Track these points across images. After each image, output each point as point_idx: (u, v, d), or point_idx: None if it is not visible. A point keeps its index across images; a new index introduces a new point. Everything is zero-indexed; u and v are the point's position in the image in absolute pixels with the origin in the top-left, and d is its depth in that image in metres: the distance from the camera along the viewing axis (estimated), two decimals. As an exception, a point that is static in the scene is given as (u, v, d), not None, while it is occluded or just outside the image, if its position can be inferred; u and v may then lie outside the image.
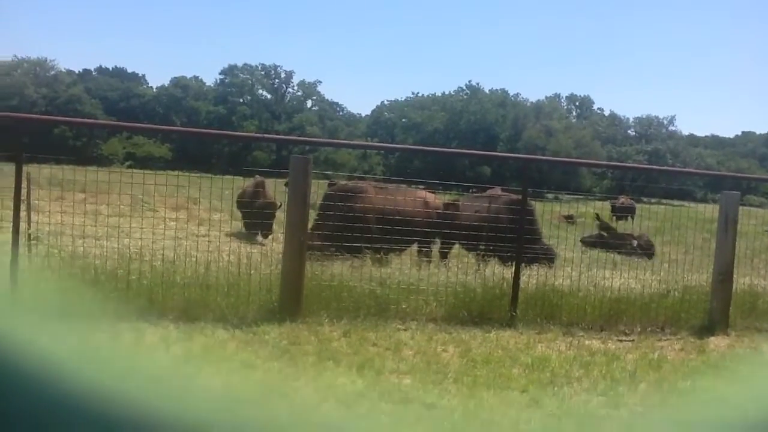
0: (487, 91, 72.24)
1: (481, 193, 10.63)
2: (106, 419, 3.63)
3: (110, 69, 75.51)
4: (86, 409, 3.75)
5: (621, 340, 6.55)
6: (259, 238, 12.08)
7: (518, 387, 4.63)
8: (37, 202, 9.49)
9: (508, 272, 7.22)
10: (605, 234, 16.00)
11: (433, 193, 10.36)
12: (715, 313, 7.13)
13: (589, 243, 13.97)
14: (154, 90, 75.85)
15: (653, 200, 46.32)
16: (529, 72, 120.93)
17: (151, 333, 5.51)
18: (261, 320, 5.98)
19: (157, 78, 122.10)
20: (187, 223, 12.38)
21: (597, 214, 19.63)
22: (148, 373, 4.47)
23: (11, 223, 5.86)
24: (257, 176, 12.01)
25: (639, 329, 6.92)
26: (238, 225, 13.21)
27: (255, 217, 10.39)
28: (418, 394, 4.33)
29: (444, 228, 8.04)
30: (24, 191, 6.16)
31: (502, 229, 7.98)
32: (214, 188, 8.91)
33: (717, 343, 6.66)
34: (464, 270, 7.35)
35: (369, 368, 4.84)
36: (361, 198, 9.45)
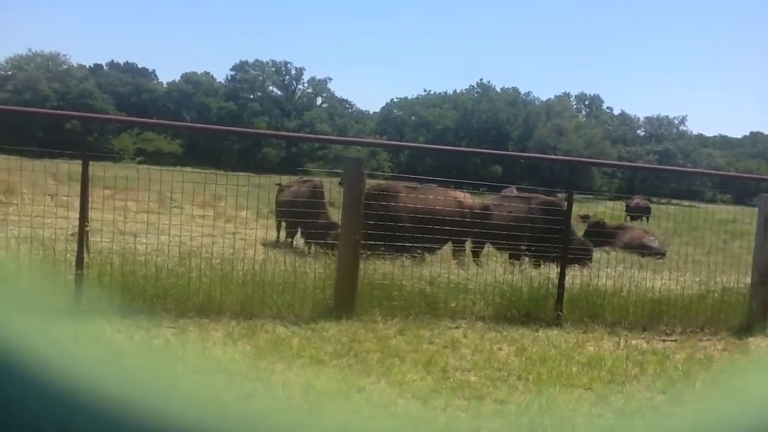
0: (498, 90, 72.45)
1: (514, 194, 10.77)
2: (191, 412, 3.80)
3: (121, 64, 75.88)
4: (167, 404, 3.92)
5: (664, 340, 6.69)
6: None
7: (581, 384, 4.78)
8: (66, 198, 9.68)
9: (550, 272, 7.38)
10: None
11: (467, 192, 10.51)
12: (755, 314, 7.25)
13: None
14: (165, 85, 76.14)
15: (663, 200, 46.39)
16: (538, 71, 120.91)
17: (215, 329, 5.68)
18: (317, 318, 6.14)
19: (168, 73, 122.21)
20: (214, 221, 12.50)
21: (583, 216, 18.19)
22: (224, 368, 4.64)
23: (77, 221, 6.05)
24: (315, 178, 11.73)
25: (680, 329, 7.06)
26: (265, 222, 13.25)
27: (316, 236, 9.82)
28: (488, 390, 4.48)
29: (486, 229, 8.19)
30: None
31: (546, 230, 8.11)
32: (237, 185, 9.00)
33: (758, 343, 6.78)
34: (509, 270, 7.49)
35: (433, 365, 5.00)
36: (396, 198, 9.57)
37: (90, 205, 6.26)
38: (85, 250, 6.15)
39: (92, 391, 3.56)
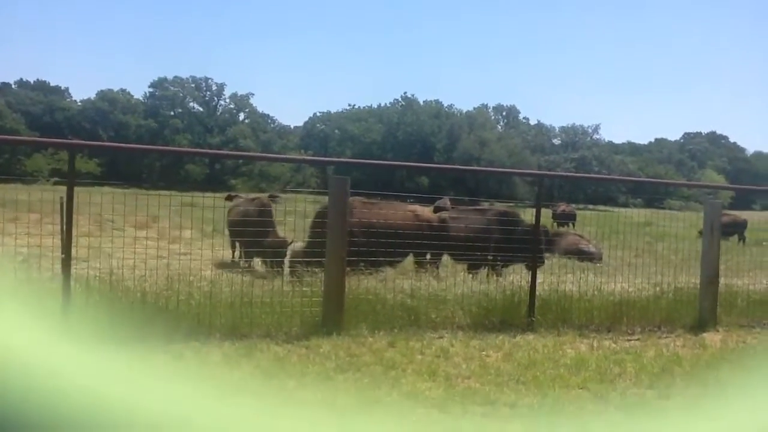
0: (421, 103, 73.67)
1: (471, 207, 11.17)
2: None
3: (31, 82, 72.87)
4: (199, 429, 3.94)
5: (629, 340, 7.13)
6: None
7: (576, 385, 5.10)
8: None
9: (521, 280, 7.75)
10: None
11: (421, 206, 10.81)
12: (705, 312, 7.84)
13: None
14: (79, 103, 73.56)
15: (581, 206, 48.50)
16: (458, 83, 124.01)
17: (210, 352, 5.70)
18: (307, 335, 6.25)
19: (82, 91, 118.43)
20: (168, 243, 12.21)
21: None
22: (238, 389, 4.69)
23: (61, 247, 5.96)
24: (262, 196, 11.72)
25: (639, 329, 7.55)
26: (211, 242, 12.93)
27: (267, 255, 9.78)
28: (497, 395, 4.72)
29: (453, 241, 8.50)
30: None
31: (510, 239, 8.47)
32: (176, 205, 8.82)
33: (712, 338, 7.34)
34: (482, 280, 7.81)
35: (436, 375, 5.21)
36: (354, 213, 9.69)
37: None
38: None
39: (114, 423, 3.58)
